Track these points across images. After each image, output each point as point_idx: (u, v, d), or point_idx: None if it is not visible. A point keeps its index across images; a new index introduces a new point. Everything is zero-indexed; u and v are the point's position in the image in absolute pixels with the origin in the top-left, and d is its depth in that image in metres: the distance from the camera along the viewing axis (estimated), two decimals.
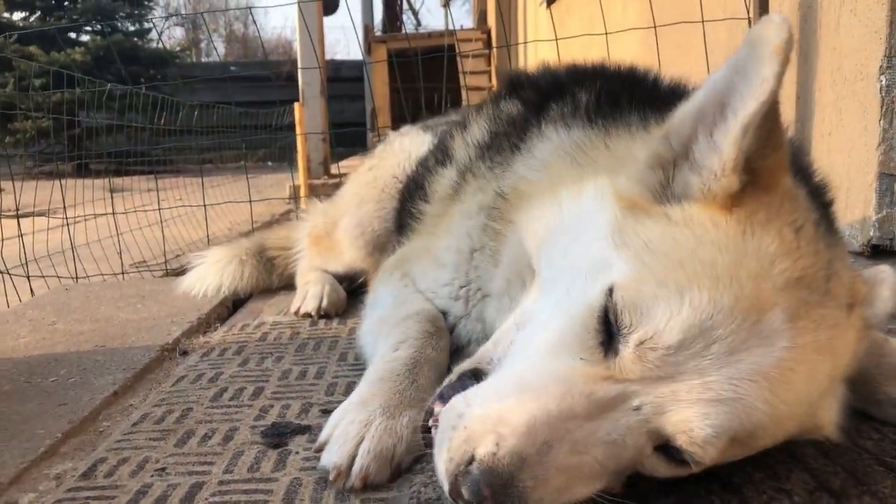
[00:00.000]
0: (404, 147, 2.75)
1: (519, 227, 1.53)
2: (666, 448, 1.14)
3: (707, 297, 1.09)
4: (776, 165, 1.22)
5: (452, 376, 1.40)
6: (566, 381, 1.12)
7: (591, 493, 1.17)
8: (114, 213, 4.16)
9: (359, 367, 2.10)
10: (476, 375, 1.36)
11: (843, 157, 3.03)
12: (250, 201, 4.14)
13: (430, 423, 1.34)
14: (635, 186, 1.30)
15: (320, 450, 1.50)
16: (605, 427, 1.10)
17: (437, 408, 1.35)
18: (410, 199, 2.27)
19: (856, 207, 2.94)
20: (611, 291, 1.15)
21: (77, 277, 3.84)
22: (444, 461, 1.13)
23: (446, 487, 1.12)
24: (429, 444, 1.31)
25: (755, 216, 1.18)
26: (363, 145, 15.61)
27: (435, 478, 1.41)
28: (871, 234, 2.87)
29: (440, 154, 2.22)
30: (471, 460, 1.08)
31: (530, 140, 1.76)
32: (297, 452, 1.59)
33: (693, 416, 1.09)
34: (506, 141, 1.86)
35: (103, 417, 1.88)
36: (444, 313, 1.86)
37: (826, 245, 1.22)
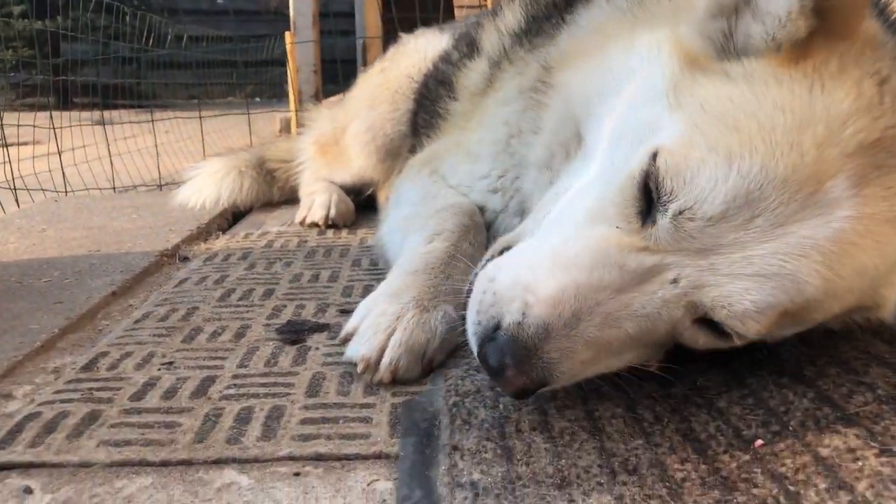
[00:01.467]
0: (419, 47, 2.57)
1: (565, 90, 1.38)
2: (706, 320, 1.04)
3: (759, 164, 0.96)
4: (851, 5, 1.04)
5: (495, 248, 1.28)
6: (599, 252, 1.04)
7: (623, 365, 1.10)
8: (103, 124, 3.94)
9: (375, 271, 1.98)
10: None
11: None
12: (248, 113, 3.93)
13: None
14: (695, 39, 1.14)
15: (346, 341, 1.37)
16: (640, 300, 1.02)
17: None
18: (434, 99, 2.11)
19: None
20: (655, 156, 1.02)
21: (66, 192, 3.66)
22: (472, 324, 1.10)
23: (475, 351, 1.10)
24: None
25: (826, 67, 1.02)
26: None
27: (472, 371, 1.30)
28: None
29: (467, 47, 2.05)
30: (497, 326, 1.04)
31: (576, 12, 1.59)
32: (316, 348, 1.47)
33: (733, 291, 0.99)
34: (547, 22, 1.69)
35: (102, 316, 1.74)
36: (481, 209, 1.71)
37: None
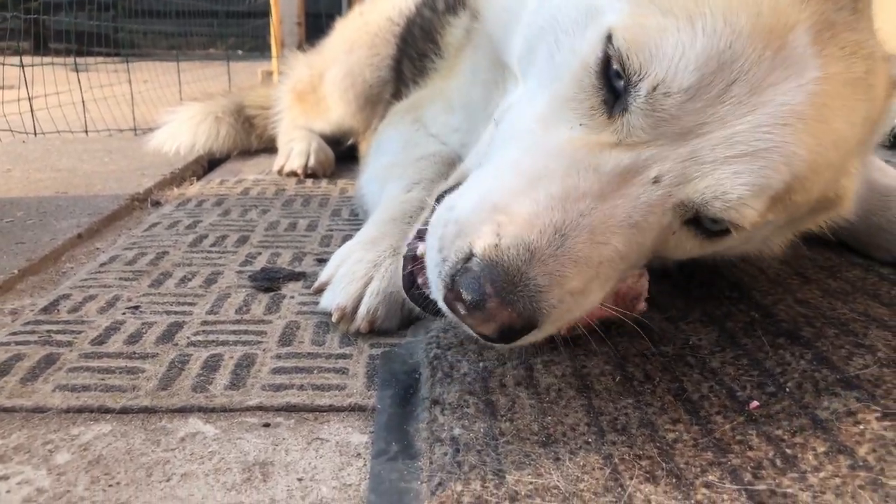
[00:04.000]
0: None
1: (486, 16, 1.26)
2: (695, 220, 0.95)
3: (721, 19, 0.86)
4: None
5: (432, 206, 1.15)
6: (567, 155, 0.91)
7: (606, 293, 0.96)
8: (76, 69, 3.77)
9: (356, 222, 1.90)
10: None
11: None
12: (228, 60, 3.79)
13: (413, 268, 1.09)
14: None
15: (321, 290, 1.31)
16: (624, 207, 0.89)
17: (420, 249, 1.13)
18: (420, 52, 2.00)
19: None
20: (609, 37, 0.90)
21: (36, 134, 3.51)
22: (435, 264, 0.92)
23: (441, 294, 0.91)
24: (414, 299, 1.10)
25: None
26: None
27: (455, 325, 1.24)
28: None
29: None
30: (469, 256, 0.87)
31: None
32: (291, 297, 1.40)
33: (723, 178, 0.89)
34: None
35: (66, 259, 1.66)
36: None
37: None
